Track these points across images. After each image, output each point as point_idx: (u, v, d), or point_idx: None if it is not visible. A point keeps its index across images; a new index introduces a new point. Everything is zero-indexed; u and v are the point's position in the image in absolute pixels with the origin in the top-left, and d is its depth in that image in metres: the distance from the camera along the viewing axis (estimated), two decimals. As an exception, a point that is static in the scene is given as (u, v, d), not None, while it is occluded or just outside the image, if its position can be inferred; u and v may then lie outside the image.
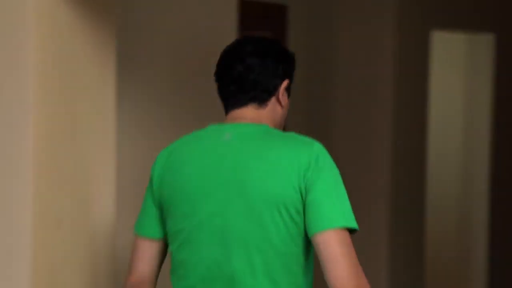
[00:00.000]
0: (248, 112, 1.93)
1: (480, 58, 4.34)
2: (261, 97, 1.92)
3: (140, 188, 2.44)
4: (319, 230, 1.76)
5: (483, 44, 4.31)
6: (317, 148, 1.85)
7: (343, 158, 3.71)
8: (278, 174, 1.83)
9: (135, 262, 1.98)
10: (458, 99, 4.44)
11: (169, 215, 1.91)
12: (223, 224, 1.86)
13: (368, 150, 3.61)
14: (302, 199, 1.81)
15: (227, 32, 2.85)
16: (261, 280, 1.85)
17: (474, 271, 4.47)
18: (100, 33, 2.15)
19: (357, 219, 3.06)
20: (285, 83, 1.94)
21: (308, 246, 1.84)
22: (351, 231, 1.79)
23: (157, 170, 1.96)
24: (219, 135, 1.93)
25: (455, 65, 4.48)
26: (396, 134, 3.57)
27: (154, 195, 1.95)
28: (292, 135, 1.90)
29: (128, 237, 2.34)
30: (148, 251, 1.97)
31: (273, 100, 1.94)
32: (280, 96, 1.94)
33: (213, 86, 2.22)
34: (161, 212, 1.95)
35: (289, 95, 1.99)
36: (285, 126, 2.17)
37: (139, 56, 2.66)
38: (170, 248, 1.94)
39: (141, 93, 2.66)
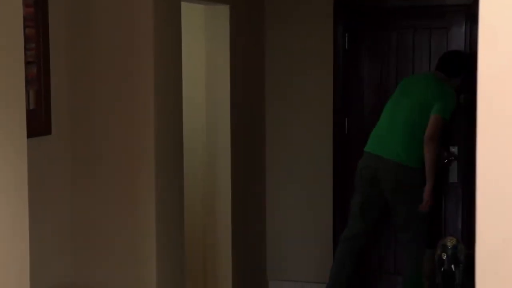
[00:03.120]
0: (438, 73, 5.05)
1: (218, 26, 4.87)
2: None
3: None
4: (433, 114, 4.80)
5: (220, 14, 4.83)
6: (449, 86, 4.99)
7: (104, 120, 3.97)
8: (426, 94, 4.88)
9: None
10: (202, 62, 4.91)
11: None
12: (401, 108, 4.94)
13: (131, 110, 3.91)
14: (431, 104, 4.83)
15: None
16: (409, 130, 4.87)
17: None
18: None
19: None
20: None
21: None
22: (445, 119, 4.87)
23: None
24: (417, 76, 5.21)
25: (196, 32, 4.94)
26: (157, 95, 3.91)
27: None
28: (435, 81, 4.98)
29: None
30: None
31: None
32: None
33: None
34: None
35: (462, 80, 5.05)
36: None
37: None
38: None
39: None
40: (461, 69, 4.98)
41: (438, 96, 4.85)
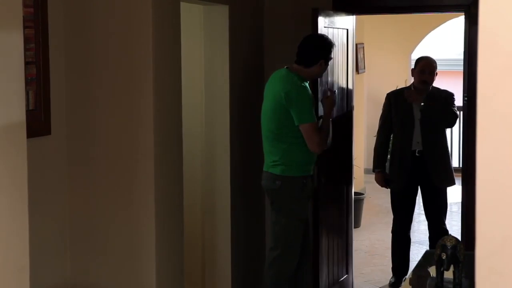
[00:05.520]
0: (295, 66, 4.40)
1: (217, 26, 4.86)
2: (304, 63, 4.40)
3: None
4: (299, 124, 4.31)
5: (219, 14, 4.83)
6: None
7: (104, 120, 3.96)
8: (276, 97, 4.35)
9: None
10: (201, 62, 4.91)
11: None
12: (263, 114, 4.48)
13: (131, 109, 3.91)
14: (283, 106, 4.32)
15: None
16: (271, 137, 4.38)
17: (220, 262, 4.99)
18: None
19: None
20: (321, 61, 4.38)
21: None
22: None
23: None
24: (272, 76, 4.51)
25: (196, 32, 4.94)
26: (156, 95, 3.91)
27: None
28: (288, 78, 4.35)
29: None
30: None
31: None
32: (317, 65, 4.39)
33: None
34: None
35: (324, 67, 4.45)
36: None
37: None
38: None
39: None
40: (317, 57, 4.36)
41: (289, 101, 4.24)
